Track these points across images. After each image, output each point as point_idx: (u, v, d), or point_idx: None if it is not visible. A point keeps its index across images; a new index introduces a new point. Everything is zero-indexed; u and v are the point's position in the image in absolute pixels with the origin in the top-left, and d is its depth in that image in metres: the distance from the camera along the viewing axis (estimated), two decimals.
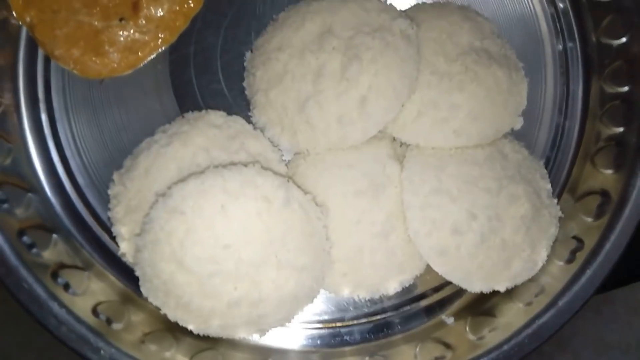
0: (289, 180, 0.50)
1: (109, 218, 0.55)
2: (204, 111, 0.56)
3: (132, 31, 0.58)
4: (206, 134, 0.53)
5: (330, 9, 0.54)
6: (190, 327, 0.49)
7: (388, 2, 0.58)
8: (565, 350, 0.68)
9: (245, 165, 0.49)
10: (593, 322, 0.66)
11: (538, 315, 0.52)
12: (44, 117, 0.58)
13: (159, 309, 0.49)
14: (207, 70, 0.59)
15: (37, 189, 0.56)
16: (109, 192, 0.55)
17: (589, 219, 0.55)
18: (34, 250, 0.51)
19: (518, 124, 0.56)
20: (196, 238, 0.46)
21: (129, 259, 0.53)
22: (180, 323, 0.49)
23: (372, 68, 0.50)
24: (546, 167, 0.59)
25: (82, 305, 0.50)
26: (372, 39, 0.51)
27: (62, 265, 0.52)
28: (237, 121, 0.56)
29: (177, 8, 0.59)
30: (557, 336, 0.52)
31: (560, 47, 0.62)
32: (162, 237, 0.46)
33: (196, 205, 0.46)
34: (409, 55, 0.52)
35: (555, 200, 0.56)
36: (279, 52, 0.54)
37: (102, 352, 0.49)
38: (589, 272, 0.52)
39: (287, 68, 0.53)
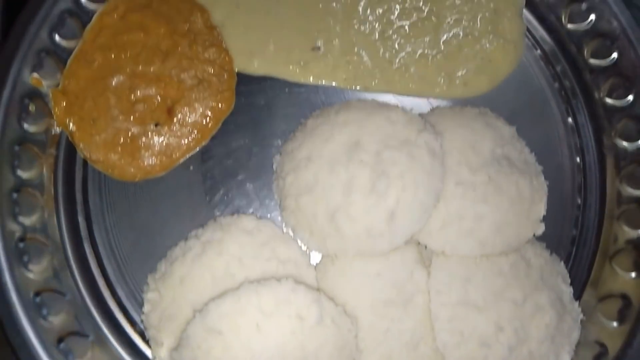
0: (320, 293, 0.52)
1: (142, 320, 0.56)
2: (235, 215, 0.59)
3: (166, 135, 0.61)
4: (239, 242, 0.55)
5: (358, 121, 0.57)
6: None
7: (411, 110, 0.60)
8: None
9: (279, 280, 0.50)
10: None
11: None
12: (80, 219, 0.60)
13: None
14: (238, 171, 0.62)
15: (73, 291, 0.57)
16: (144, 295, 0.56)
17: (611, 324, 0.56)
18: (70, 357, 0.53)
19: (540, 229, 0.57)
20: (233, 356, 0.47)
21: None
22: None
23: (399, 183, 0.53)
24: (567, 263, 0.61)
25: None
26: (399, 154, 0.54)
27: None
28: (268, 225, 0.58)
29: (209, 112, 0.62)
30: None
31: (577, 143, 0.65)
32: (199, 354, 0.48)
33: (233, 324, 0.48)
34: (434, 168, 0.54)
35: (577, 304, 0.57)
36: (309, 162, 0.56)
37: None
38: None
39: (317, 178, 0.55)
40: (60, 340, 0.53)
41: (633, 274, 0.57)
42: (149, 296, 0.55)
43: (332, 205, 0.54)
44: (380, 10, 0.65)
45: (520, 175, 0.56)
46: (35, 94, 0.58)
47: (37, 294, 0.54)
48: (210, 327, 0.48)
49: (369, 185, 0.53)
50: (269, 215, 0.60)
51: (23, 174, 0.57)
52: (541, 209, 0.57)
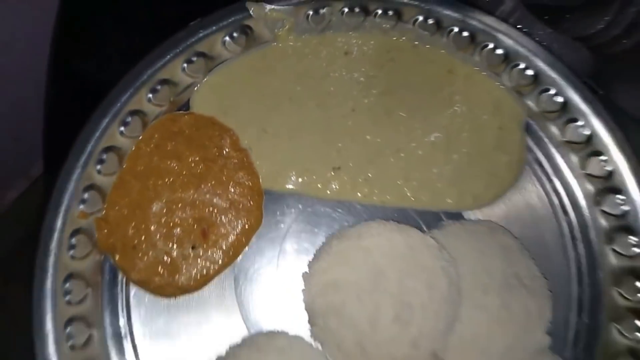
0: None
1: None
2: (269, 334, 0.64)
3: (202, 256, 0.66)
4: None
5: (380, 247, 0.62)
6: None
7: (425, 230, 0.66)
8: None
9: None
10: None
11: None
12: (125, 342, 0.65)
13: None
14: (268, 285, 0.67)
15: None
16: None
17: None
18: None
19: (545, 341, 0.62)
20: None
21: None
22: None
23: (421, 314, 0.58)
24: None
25: None
26: (420, 284, 0.60)
27: None
28: (298, 342, 0.63)
29: (240, 231, 0.67)
30: None
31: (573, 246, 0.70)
32: None
33: None
34: (452, 296, 0.60)
35: None
36: (337, 288, 0.61)
37: None
38: None
39: (345, 304, 0.60)
40: None
41: None
42: None
43: (359, 332, 0.59)
44: (392, 132, 0.71)
45: (528, 295, 0.62)
46: (80, 227, 0.63)
47: None
48: None
49: (393, 313, 0.59)
50: (298, 329, 0.65)
51: (73, 305, 0.62)
52: (547, 324, 0.63)
